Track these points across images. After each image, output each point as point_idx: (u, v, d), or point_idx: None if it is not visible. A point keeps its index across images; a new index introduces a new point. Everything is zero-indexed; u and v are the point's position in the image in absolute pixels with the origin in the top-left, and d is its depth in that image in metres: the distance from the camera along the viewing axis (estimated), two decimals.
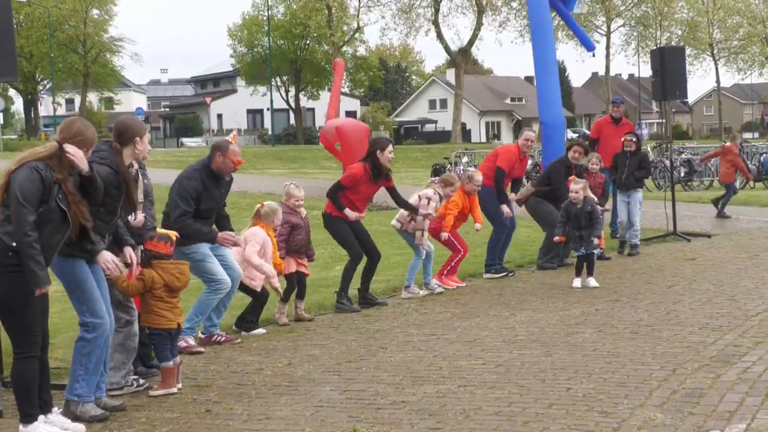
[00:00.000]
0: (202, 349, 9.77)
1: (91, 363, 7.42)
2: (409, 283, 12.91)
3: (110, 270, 7.50)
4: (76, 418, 7.30)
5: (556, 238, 13.59)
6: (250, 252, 10.49)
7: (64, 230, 6.94)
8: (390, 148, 12.21)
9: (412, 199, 12.81)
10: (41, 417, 6.97)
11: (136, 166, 7.98)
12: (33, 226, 6.66)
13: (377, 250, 12.38)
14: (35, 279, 6.68)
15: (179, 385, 8.24)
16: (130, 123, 7.88)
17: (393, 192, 12.46)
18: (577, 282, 13.09)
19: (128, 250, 7.82)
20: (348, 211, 11.99)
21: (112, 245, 7.72)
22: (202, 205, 9.79)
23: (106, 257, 7.44)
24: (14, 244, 6.67)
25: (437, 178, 13.41)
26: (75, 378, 7.43)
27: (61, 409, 7.27)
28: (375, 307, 12.08)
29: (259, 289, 10.72)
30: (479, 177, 13.80)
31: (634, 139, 16.56)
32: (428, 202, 12.76)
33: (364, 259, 12.18)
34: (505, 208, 14.31)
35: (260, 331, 10.66)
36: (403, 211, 12.86)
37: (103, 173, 7.31)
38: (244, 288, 10.66)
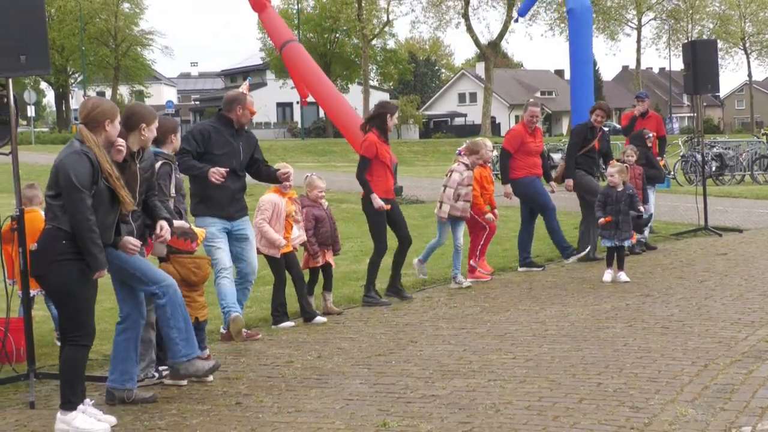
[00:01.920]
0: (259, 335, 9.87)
1: (172, 324, 7.61)
2: (455, 273, 12.92)
3: (132, 252, 7.46)
4: (124, 402, 7.51)
5: (602, 220, 13.29)
6: (258, 219, 10.57)
7: (115, 210, 7.06)
8: (397, 113, 12.34)
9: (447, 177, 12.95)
10: (80, 407, 7.02)
11: (152, 156, 7.97)
12: (91, 210, 6.80)
13: (409, 236, 12.33)
14: (96, 262, 6.84)
15: (210, 378, 8.27)
16: (138, 109, 7.78)
17: None
18: (607, 275, 13.00)
19: (162, 223, 7.70)
20: (375, 198, 11.87)
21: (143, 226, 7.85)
22: (218, 150, 9.68)
23: (127, 242, 7.38)
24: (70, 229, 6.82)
25: (463, 148, 13.30)
26: (172, 341, 7.62)
27: (93, 401, 7.29)
28: (403, 300, 12.05)
29: (278, 256, 10.71)
30: (489, 143, 13.85)
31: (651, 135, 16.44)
32: (450, 176, 12.86)
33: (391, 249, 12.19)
34: (506, 188, 14.27)
35: (289, 323, 10.67)
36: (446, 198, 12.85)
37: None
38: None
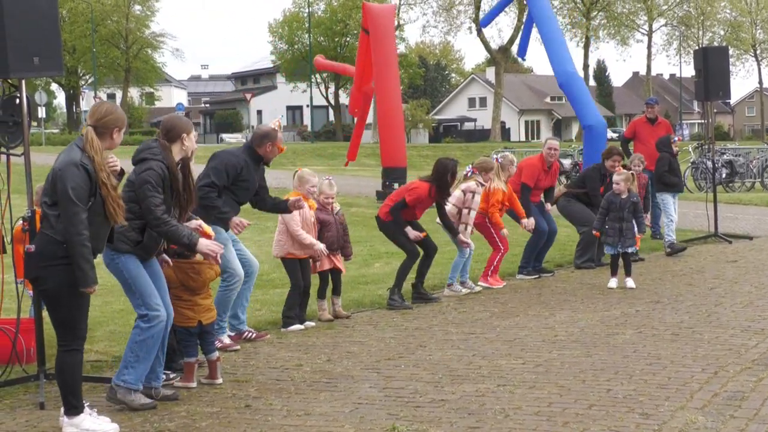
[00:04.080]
0: (237, 347, 9.77)
1: (142, 351, 7.51)
2: (451, 281, 12.89)
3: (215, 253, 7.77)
4: (122, 404, 7.41)
5: (594, 233, 13.48)
6: (290, 225, 10.63)
7: (110, 221, 7.04)
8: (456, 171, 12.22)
9: (456, 195, 12.76)
10: (87, 410, 7.02)
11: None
12: (86, 225, 6.77)
13: (434, 243, 12.38)
14: (85, 278, 6.79)
15: (219, 380, 8.28)
16: (177, 120, 7.90)
17: (441, 208, 12.48)
18: (613, 282, 12.98)
19: (195, 223, 7.96)
20: (410, 231, 12.01)
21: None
22: (244, 184, 9.82)
23: (204, 246, 7.68)
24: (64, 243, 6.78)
25: (471, 166, 13.20)
26: (125, 364, 7.53)
27: (95, 409, 7.23)
28: (429, 302, 12.08)
29: (326, 253, 10.81)
30: (514, 158, 13.89)
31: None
32: (472, 197, 12.76)
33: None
34: (530, 221, 13.90)
35: (298, 327, 10.67)
36: (452, 207, 12.79)
37: (158, 169, 7.42)
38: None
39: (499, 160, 13.49)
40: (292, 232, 10.67)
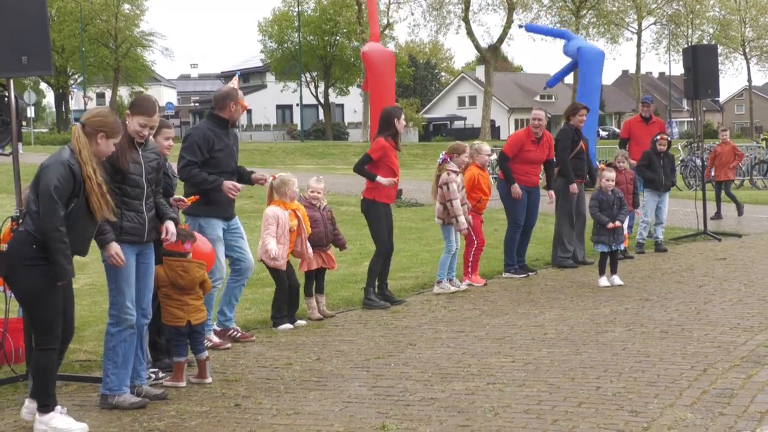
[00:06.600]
0: (228, 345, 9.74)
1: (118, 357, 7.52)
2: (440, 279, 12.86)
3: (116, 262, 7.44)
4: (113, 408, 7.43)
5: (611, 225, 13.09)
6: (263, 228, 10.55)
7: (95, 222, 7.05)
8: (403, 116, 12.25)
9: (439, 193, 12.75)
10: (58, 408, 7.01)
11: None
12: (63, 221, 6.77)
13: (392, 244, 12.32)
14: (63, 272, 6.83)
15: (209, 380, 8.27)
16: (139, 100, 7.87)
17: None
18: (603, 280, 12.98)
19: (168, 225, 7.78)
20: (380, 178, 11.86)
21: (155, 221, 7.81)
22: (219, 153, 9.69)
23: (112, 251, 7.40)
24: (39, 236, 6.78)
25: (444, 153, 13.07)
26: (105, 373, 7.57)
27: (65, 408, 7.20)
28: (400, 304, 11.99)
29: (283, 269, 10.66)
30: (487, 147, 13.80)
31: (669, 139, 16.56)
32: (447, 188, 12.64)
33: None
34: (515, 188, 14.01)
35: (288, 326, 10.65)
36: (438, 206, 12.79)
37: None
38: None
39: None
40: (263, 237, 10.58)
